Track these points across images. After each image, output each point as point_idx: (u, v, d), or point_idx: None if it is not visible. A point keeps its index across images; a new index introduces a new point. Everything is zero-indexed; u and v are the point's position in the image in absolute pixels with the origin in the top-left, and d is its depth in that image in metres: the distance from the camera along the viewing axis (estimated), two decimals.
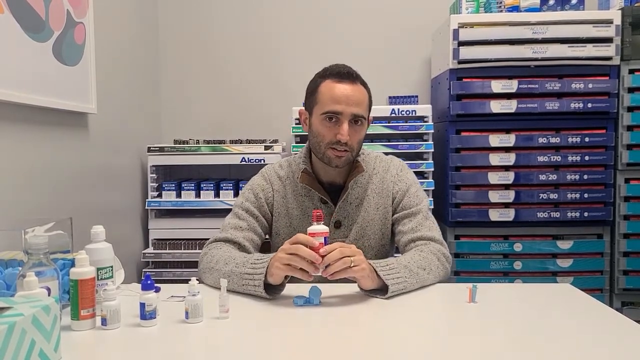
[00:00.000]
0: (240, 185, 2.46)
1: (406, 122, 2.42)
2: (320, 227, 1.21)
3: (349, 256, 1.19)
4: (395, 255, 1.55)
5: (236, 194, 2.43)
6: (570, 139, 2.29)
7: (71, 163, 1.92)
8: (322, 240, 1.20)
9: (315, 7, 2.84)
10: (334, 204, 1.49)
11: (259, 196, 1.51)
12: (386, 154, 2.38)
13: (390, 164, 1.56)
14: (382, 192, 1.51)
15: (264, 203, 1.51)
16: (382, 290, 1.26)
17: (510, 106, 2.28)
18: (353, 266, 1.19)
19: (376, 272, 1.24)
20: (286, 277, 1.24)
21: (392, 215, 1.52)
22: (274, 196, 1.52)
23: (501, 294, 1.34)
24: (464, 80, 2.31)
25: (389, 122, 2.43)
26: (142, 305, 1.09)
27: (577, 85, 2.27)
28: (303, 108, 1.52)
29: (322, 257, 1.18)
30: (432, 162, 2.41)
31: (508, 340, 1.02)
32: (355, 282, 1.26)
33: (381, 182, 1.52)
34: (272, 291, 1.26)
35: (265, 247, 1.58)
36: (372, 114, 2.39)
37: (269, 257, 1.26)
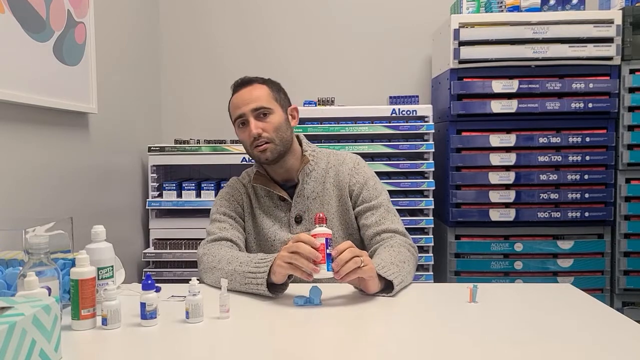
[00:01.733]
0: None
1: (407, 122, 2.42)
2: (322, 229, 1.21)
3: (358, 256, 1.19)
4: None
5: None
6: (570, 139, 2.29)
7: (72, 163, 1.92)
8: (324, 241, 1.19)
9: (315, 7, 2.84)
10: (292, 200, 1.52)
11: (230, 200, 1.57)
12: (386, 153, 2.43)
13: (346, 157, 1.59)
14: (339, 183, 1.54)
15: (237, 205, 1.56)
16: (382, 290, 1.26)
17: (511, 106, 2.28)
18: (363, 266, 1.19)
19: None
20: (289, 277, 1.25)
21: (353, 208, 1.54)
22: (242, 198, 1.57)
23: (502, 294, 1.34)
24: (465, 80, 2.31)
25: (389, 122, 2.43)
26: (143, 305, 1.09)
27: (578, 85, 2.26)
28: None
29: (324, 256, 1.18)
30: (432, 162, 2.41)
31: (508, 340, 1.01)
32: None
33: (337, 175, 1.55)
34: (274, 291, 1.26)
35: None
36: (372, 114, 2.44)
37: (272, 256, 1.26)
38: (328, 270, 1.18)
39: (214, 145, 2.50)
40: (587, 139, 2.29)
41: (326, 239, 1.20)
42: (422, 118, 2.44)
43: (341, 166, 1.55)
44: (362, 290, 1.27)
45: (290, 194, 1.53)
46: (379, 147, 2.42)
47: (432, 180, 2.40)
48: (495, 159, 2.30)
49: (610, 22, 2.24)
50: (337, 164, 1.56)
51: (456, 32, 2.27)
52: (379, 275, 1.24)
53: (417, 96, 2.57)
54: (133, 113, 2.50)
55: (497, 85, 2.28)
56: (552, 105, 2.27)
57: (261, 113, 1.46)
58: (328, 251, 1.19)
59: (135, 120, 2.53)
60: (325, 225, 1.22)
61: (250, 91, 1.49)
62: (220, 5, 2.86)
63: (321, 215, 1.23)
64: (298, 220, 1.52)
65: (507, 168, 2.31)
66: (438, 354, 0.97)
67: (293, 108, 1.56)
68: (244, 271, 1.28)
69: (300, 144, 1.57)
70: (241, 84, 1.52)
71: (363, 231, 1.52)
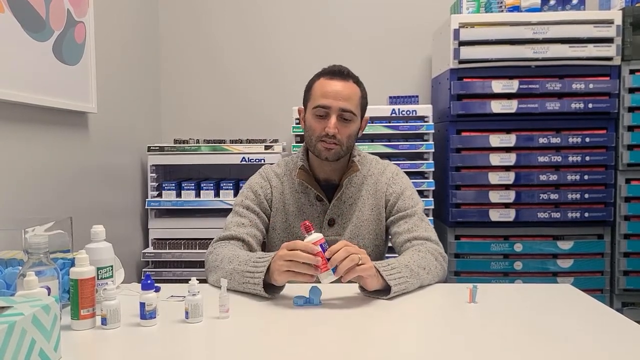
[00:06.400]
0: (240, 184, 2.45)
1: (407, 122, 2.42)
2: (314, 237, 1.20)
3: (354, 254, 1.19)
4: (388, 256, 1.55)
5: (236, 194, 2.42)
6: (570, 139, 2.29)
7: (71, 162, 1.92)
8: (320, 248, 1.19)
9: (315, 6, 2.84)
10: (328, 202, 1.51)
11: (257, 193, 1.54)
12: (386, 153, 2.43)
13: (387, 167, 1.59)
14: (376, 193, 1.54)
15: (263, 200, 1.54)
16: (383, 291, 1.26)
17: (511, 106, 2.28)
18: (360, 264, 1.19)
19: (379, 272, 1.24)
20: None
21: (387, 218, 1.54)
22: (272, 192, 1.55)
23: (501, 294, 1.34)
24: (465, 80, 2.31)
25: (389, 122, 2.43)
26: (142, 304, 1.09)
27: (578, 85, 2.26)
28: (302, 106, 1.57)
29: (326, 262, 1.18)
30: (432, 162, 2.41)
31: (508, 340, 1.01)
32: (355, 282, 1.26)
33: (375, 184, 1.54)
34: (271, 291, 1.26)
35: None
36: (372, 114, 2.43)
37: (270, 255, 1.26)
38: (333, 273, 1.18)
39: (213, 145, 2.50)
40: (587, 140, 2.29)
41: (321, 244, 1.19)
42: (422, 118, 2.44)
43: (381, 176, 1.55)
44: (362, 288, 1.27)
45: (328, 196, 1.52)
46: (378, 147, 2.42)
47: (432, 181, 2.40)
48: (495, 159, 2.30)
49: (610, 22, 2.24)
50: (377, 172, 1.56)
51: (456, 32, 2.27)
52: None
53: (417, 96, 2.57)
54: (133, 113, 2.50)
55: (497, 86, 2.28)
56: (552, 105, 2.27)
57: (345, 117, 1.45)
58: (326, 255, 1.18)
59: (135, 120, 2.53)
60: (312, 231, 1.21)
61: (345, 87, 1.45)
62: (220, 5, 2.86)
63: (307, 223, 1.22)
64: (331, 223, 1.51)
65: (507, 168, 2.31)
66: (437, 354, 0.97)
67: (366, 120, 1.55)
68: (243, 270, 1.28)
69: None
70: (337, 73, 1.47)
71: (394, 239, 1.50)
